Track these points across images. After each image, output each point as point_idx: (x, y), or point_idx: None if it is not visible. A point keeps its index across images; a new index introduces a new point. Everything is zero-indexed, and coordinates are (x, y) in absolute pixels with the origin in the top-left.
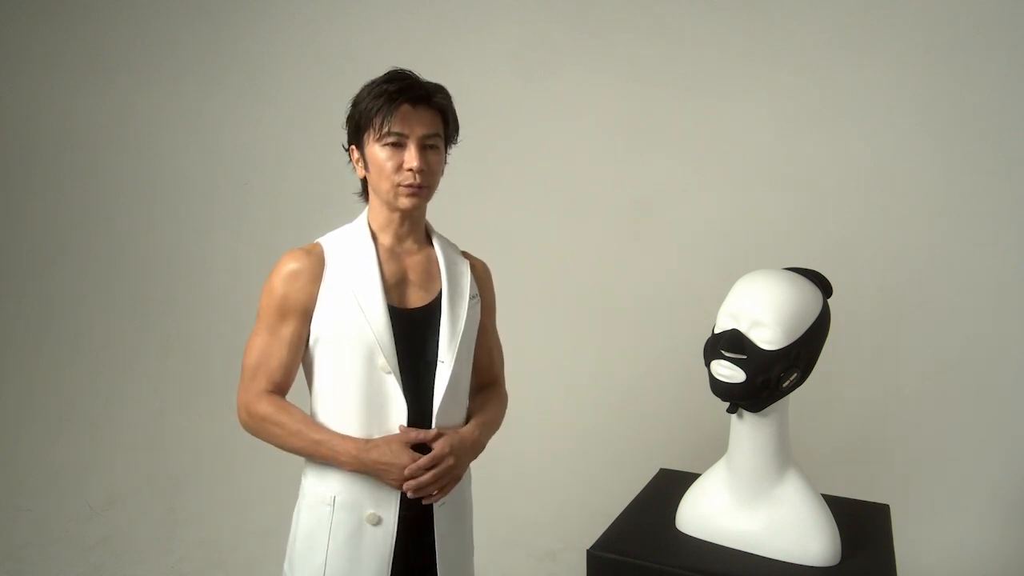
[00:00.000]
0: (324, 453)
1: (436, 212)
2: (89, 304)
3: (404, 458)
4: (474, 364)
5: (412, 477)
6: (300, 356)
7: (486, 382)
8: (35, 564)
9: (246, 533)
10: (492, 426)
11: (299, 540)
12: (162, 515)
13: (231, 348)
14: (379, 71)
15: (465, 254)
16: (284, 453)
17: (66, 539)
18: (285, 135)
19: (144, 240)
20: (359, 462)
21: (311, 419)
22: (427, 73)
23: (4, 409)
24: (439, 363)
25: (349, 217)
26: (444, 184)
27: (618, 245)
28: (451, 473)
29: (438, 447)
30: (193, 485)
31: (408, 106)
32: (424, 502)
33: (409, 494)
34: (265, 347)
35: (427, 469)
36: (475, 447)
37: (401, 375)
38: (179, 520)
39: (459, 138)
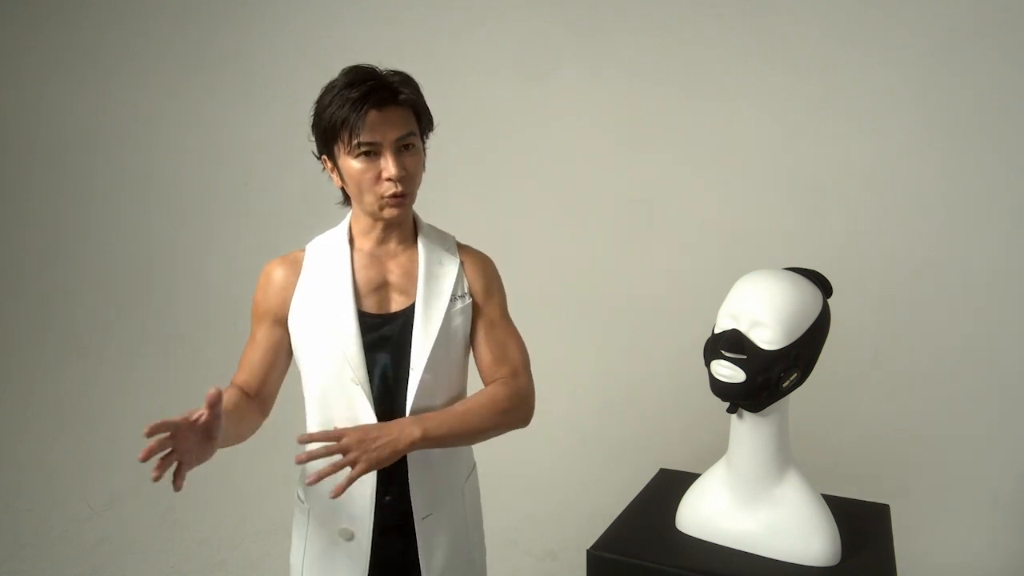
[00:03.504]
0: None
1: (436, 212)
2: (89, 304)
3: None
4: (480, 362)
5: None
6: (275, 360)
7: (498, 379)
8: (35, 564)
9: (246, 533)
10: (457, 416)
11: (291, 550)
12: (162, 515)
13: (231, 348)
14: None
15: (464, 249)
16: (282, 453)
17: (66, 539)
18: (285, 135)
19: (144, 240)
20: None
21: (234, 404)
22: (427, 74)
23: (4, 408)
24: (410, 370)
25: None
26: (443, 184)
27: (618, 245)
28: (345, 449)
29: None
30: (193, 485)
31: (375, 111)
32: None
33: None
34: (246, 348)
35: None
36: (389, 435)
37: (376, 384)
38: (179, 520)
39: (454, 133)
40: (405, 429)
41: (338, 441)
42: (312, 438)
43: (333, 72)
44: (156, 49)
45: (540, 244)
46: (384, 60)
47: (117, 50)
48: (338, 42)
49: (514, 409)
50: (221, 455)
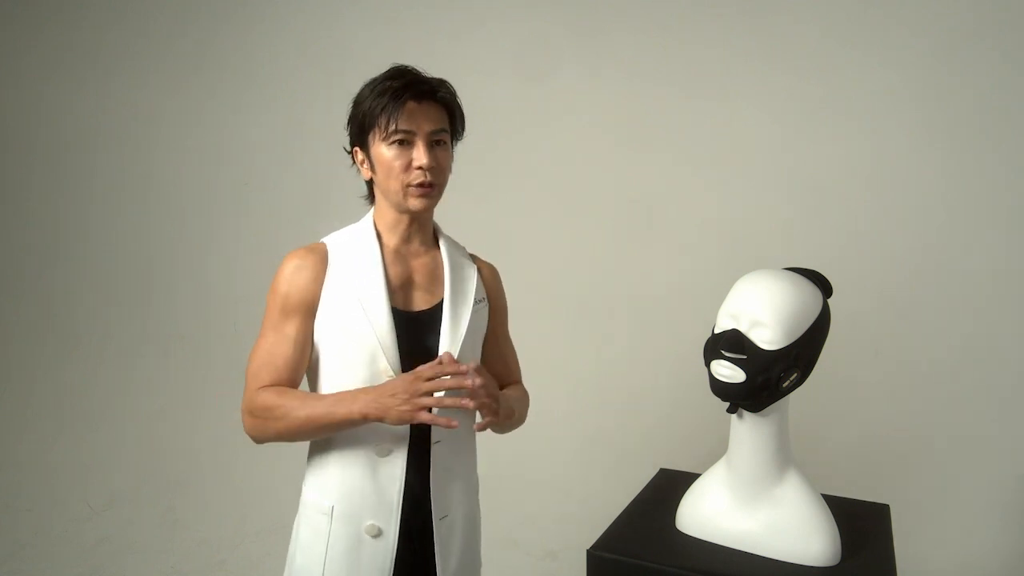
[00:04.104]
0: (341, 412)
1: (435, 212)
2: (89, 304)
3: (410, 377)
4: (492, 368)
5: (427, 394)
6: (307, 355)
7: (504, 385)
8: (35, 564)
9: (246, 533)
10: (517, 401)
11: (298, 553)
12: (162, 515)
13: (231, 348)
14: (379, 71)
15: (474, 257)
16: (283, 453)
17: (66, 539)
18: (285, 135)
19: (144, 240)
20: (376, 401)
21: (313, 393)
22: (427, 72)
23: (4, 408)
24: None
25: (349, 217)
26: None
27: (618, 245)
28: (491, 392)
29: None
30: (193, 485)
31: (414, 102)
32: (468, 405)
33: (471, 397)
34: (270, 347)
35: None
36: (505, 400)
37: None
38: (179, 520)
39: (464, 134)
40: (508, 402)
41: (477, 379)
42: (479, 374)
43: (333, 72)
44: (156, 49)
45: (540, 244)
46: (384, 60)
47: (117, 50)
48: (338, 42)
49: (527, 410)
50: (220, 455)
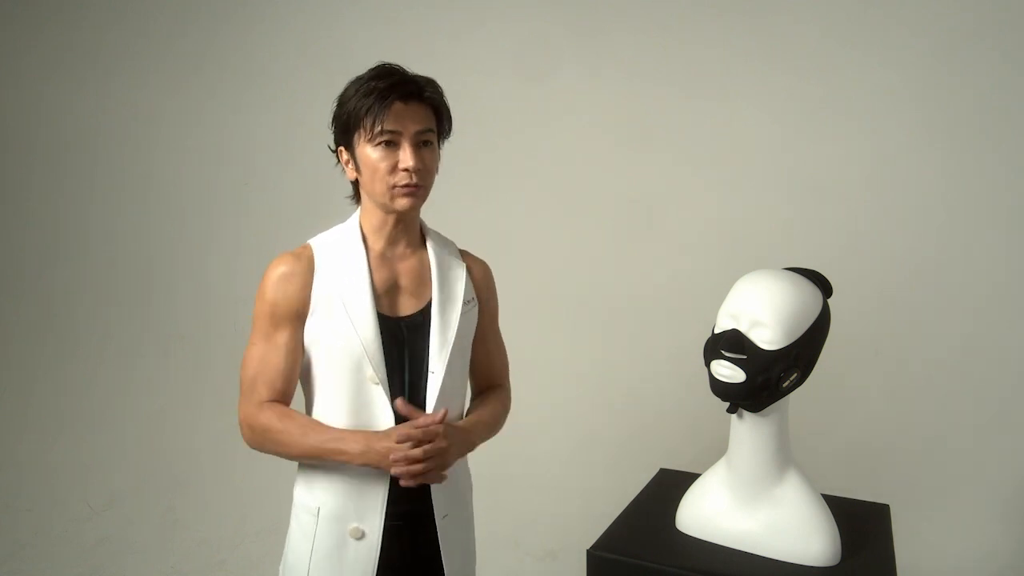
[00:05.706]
0: (331, 448)
1: (435, 212)
2: (89, 304)
3: (389, 440)
4: (473, 368)
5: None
6: (299, 363)
7: (487, 386)
8: (35, 564)
9: (246, 533)
10: (487, 427)
11: (288, 551)
12: (161, 515)
13: (231, 348)
14: None
15: (465, 254)
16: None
17: (66, 539)
18: (285, 135)
19: (144, 240)
20: (371, 451)
21: (315, 420)
22: (427, 74)
23: (4, 408)
24: (429, 373)
25: (348, 217)
26: (443, 184)
27: (618, 245)
28: (441, 455)
29: (432, 420)
30: (192, 485)
31: (400, 103)
32: (406, 483)
33: (395, 472)
34: (262, 356)
35: (416, 445)
36: (465, 442)
37: (390, 386)
38: (179, 520)
39: (453, 134)
40: (470, 437)
41: (431, 442)
42: (421, 420)
43: (333, 72)
44: (156, 49)
45: (540, 244)
46: (384, 60)
47: (117, 50)
48: (338, 42)
49: (504, 419)
50: (220, 455)
